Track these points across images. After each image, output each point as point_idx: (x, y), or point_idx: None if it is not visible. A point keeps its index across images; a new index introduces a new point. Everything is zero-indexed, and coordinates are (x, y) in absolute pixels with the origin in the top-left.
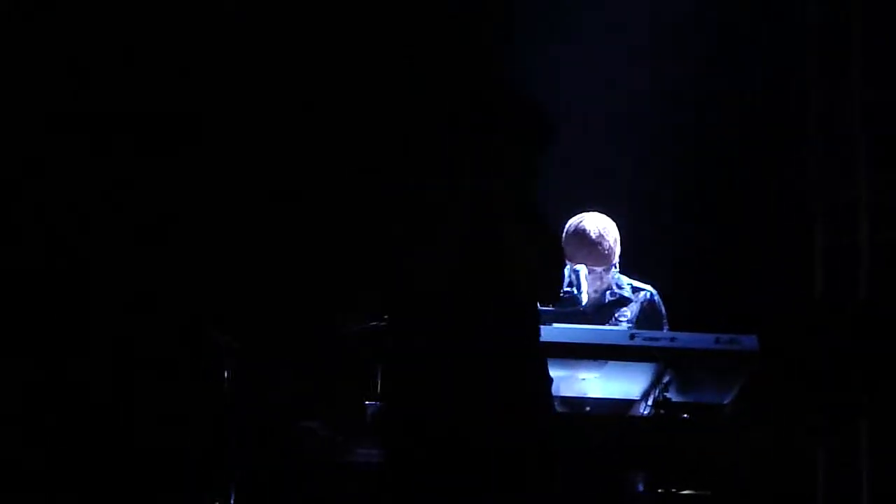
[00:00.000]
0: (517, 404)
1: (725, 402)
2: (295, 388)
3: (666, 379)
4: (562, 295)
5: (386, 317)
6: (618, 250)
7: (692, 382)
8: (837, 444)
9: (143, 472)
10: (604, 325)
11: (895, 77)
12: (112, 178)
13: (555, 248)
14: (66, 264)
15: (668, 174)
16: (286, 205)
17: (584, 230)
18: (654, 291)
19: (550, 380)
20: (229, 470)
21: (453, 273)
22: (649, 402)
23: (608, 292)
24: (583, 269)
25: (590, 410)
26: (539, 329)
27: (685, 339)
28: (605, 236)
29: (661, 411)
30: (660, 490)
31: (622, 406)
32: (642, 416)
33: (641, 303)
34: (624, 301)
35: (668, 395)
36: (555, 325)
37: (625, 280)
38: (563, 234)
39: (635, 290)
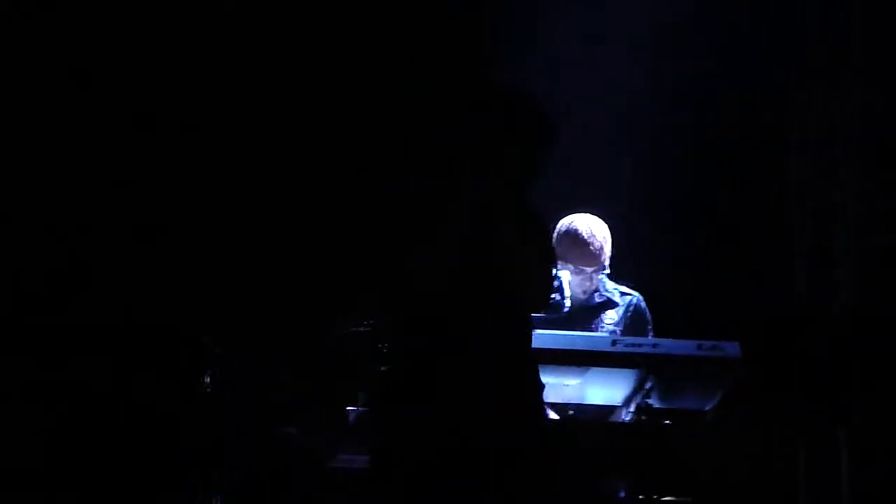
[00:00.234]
0: (516, 405)
1: (707, 408)
2: (281, 392)
3: (648, 385)
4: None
5: (384, 317)
6: (608, 252)
7: (674, 389)
8: (819, 451)
9: (132, 472)
10: (590, 326)
11: (881, 79)
12: (111, 177)
13: (548, 253)
14: (63, 263)
15: (651, 178)
16: (286, 205)
17: (576, 230)
18: (641, 297)
19: (542, 385)
20: (214, 473)
21: (453, 273)
22: (631, 409)
23: (596, 294)
24: (565, 276)
25: (572, 415)
26: (532, 332)
27: (667, 345)
28: (597, 237)
29: (644, 417)
30: (641, 497)
31: (604, 412)
32: (624, 423)
33: (627, 307)
34: (611, 304)
35: (650, 401)
36: (537, 331)
37: (612, 285)
38: (555, 235)
39: (622, 294)
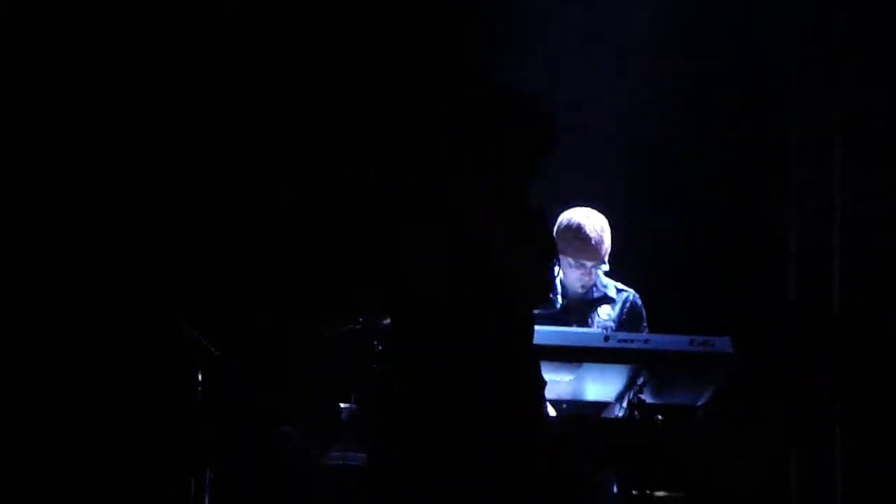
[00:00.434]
0: (517, 403)
1: (699, 403)
2: (274, 390)
3: (640, 381)
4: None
5: (377, 315)
6: (608, 247)
7: (666, 384)
8: (811, 446)
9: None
10: (586, 321)
11: (874, 81)
12: (111, 177)
13: (548, 250)
14: (63, 263)
15: (649, 177)
16: (286, 205)
17: (578, 224)
18: (636, 294)
19: (544, 382)
20: (203, 471)
21: (452, 272)
22: (624, 404)
23: (594, 289)
24: (559, 271)
25: (565, 409)
26: (533, 330)
27: (659, 341)
28: (598, 231)
29: (636, 413)
30: (634, 492)
31: (597, 408)
32: (617, 418)
33: (623, 304)
34: (607, 300)
35: (642, 396)
36: None
37: (609, 281)
38: (556, 228)
39: (619, 290)
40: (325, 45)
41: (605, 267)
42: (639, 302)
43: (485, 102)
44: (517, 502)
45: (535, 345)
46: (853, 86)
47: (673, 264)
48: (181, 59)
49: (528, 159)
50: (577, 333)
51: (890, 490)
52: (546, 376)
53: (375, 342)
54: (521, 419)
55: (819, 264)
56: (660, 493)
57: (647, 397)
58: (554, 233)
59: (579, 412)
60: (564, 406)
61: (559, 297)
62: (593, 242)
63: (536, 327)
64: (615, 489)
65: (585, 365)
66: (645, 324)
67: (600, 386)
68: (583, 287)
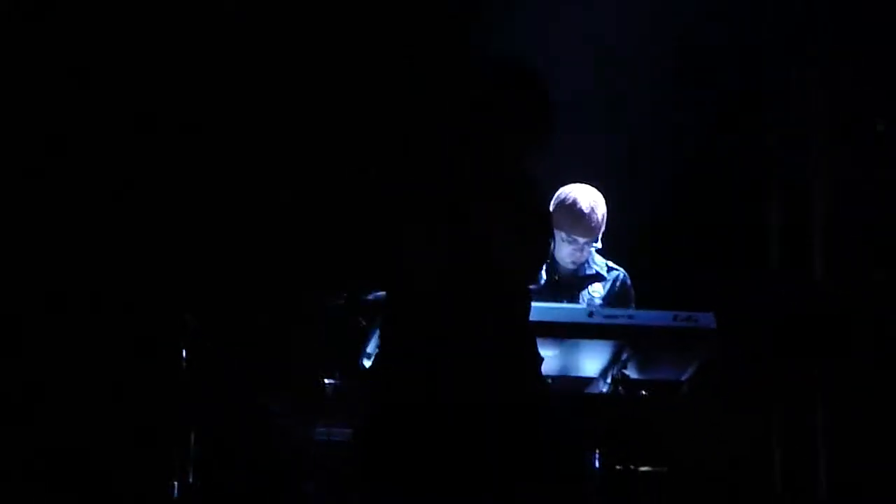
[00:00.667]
0: (514, 377)
1: (683, 378)
2: (259, 368)
3: (624, 356)
4: None
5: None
6: (603, 224)
7: (650, 360)
8: (793, 421)
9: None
10: (576, 297)
11: (858, 56)
12: (111, 176)
13: (544, 235)
14: (62, 262)
15: (622, 152)
16: (285, 205)
17: (574, 200)
18: (626, 273)
19: (541, 358)
20: (188, 449)
21: (452, 273)
22: (608, 380)
23: (585, 265)
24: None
25: (550, 384)
26: (529, 306)
27: (643, 316)
28: (595, 208)
29: (620, 388)
30: (617, 466)
31: (580, 383)
32: (600, 393)
33: (614, 282)
34: (598, 278)
35: (626, 372)
36: None
37: (600, 259)
38: (552, 203)
39: (610, 269)
40: (325, 44)
41: (598, 245)
42: (629, 281)
43: (485, 102)
44: (517, 498)
45: None
46: (853, 86)
47: (653, 240)
48: (181, 59)
49: (528, 153)
50: (561, 309)
51: (872, 460)
52: None
53: (360, 318)
54: (521, 419)
55: (800, 238)
56: (643, 468)
57: (631, 373)
58: (551, 206)
59: (563, 387)
60: (550, 381)
61: (543, 274)
62: (589, 219)
63: None
64: (598, 464)
65: (570, 340)
66: (633, 304)
67: (584, 361)
68: (574, 263)
